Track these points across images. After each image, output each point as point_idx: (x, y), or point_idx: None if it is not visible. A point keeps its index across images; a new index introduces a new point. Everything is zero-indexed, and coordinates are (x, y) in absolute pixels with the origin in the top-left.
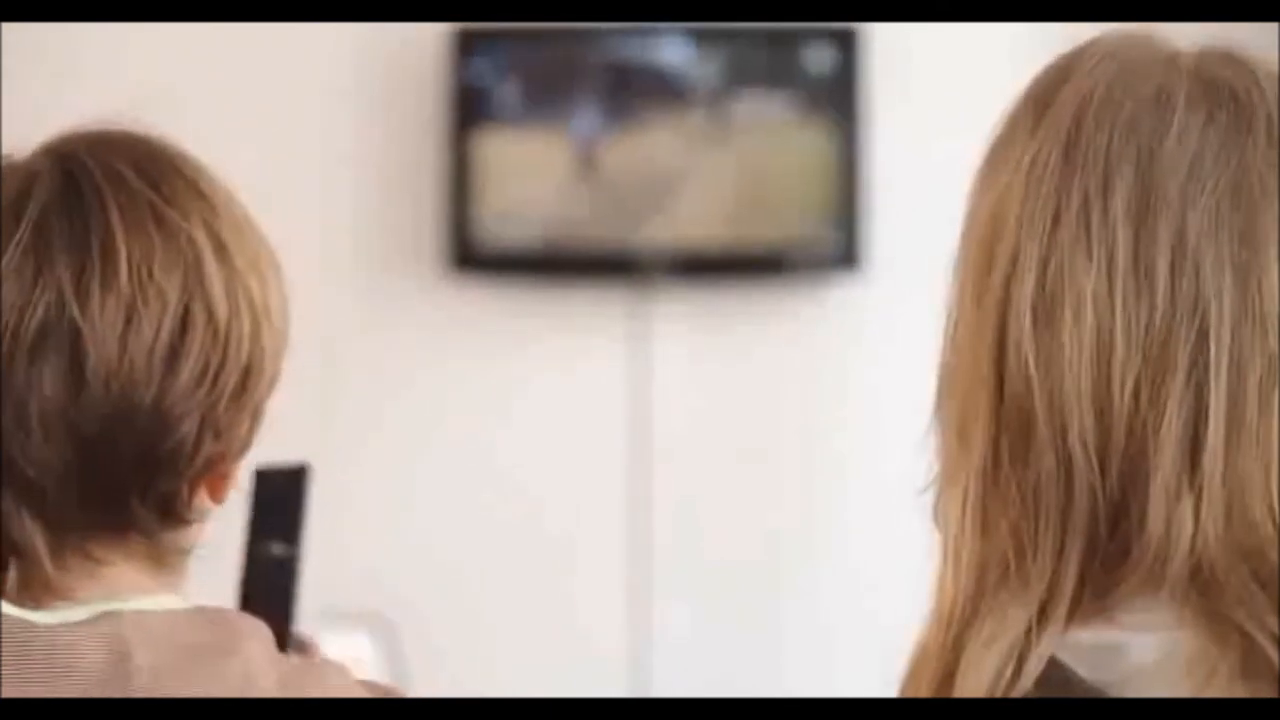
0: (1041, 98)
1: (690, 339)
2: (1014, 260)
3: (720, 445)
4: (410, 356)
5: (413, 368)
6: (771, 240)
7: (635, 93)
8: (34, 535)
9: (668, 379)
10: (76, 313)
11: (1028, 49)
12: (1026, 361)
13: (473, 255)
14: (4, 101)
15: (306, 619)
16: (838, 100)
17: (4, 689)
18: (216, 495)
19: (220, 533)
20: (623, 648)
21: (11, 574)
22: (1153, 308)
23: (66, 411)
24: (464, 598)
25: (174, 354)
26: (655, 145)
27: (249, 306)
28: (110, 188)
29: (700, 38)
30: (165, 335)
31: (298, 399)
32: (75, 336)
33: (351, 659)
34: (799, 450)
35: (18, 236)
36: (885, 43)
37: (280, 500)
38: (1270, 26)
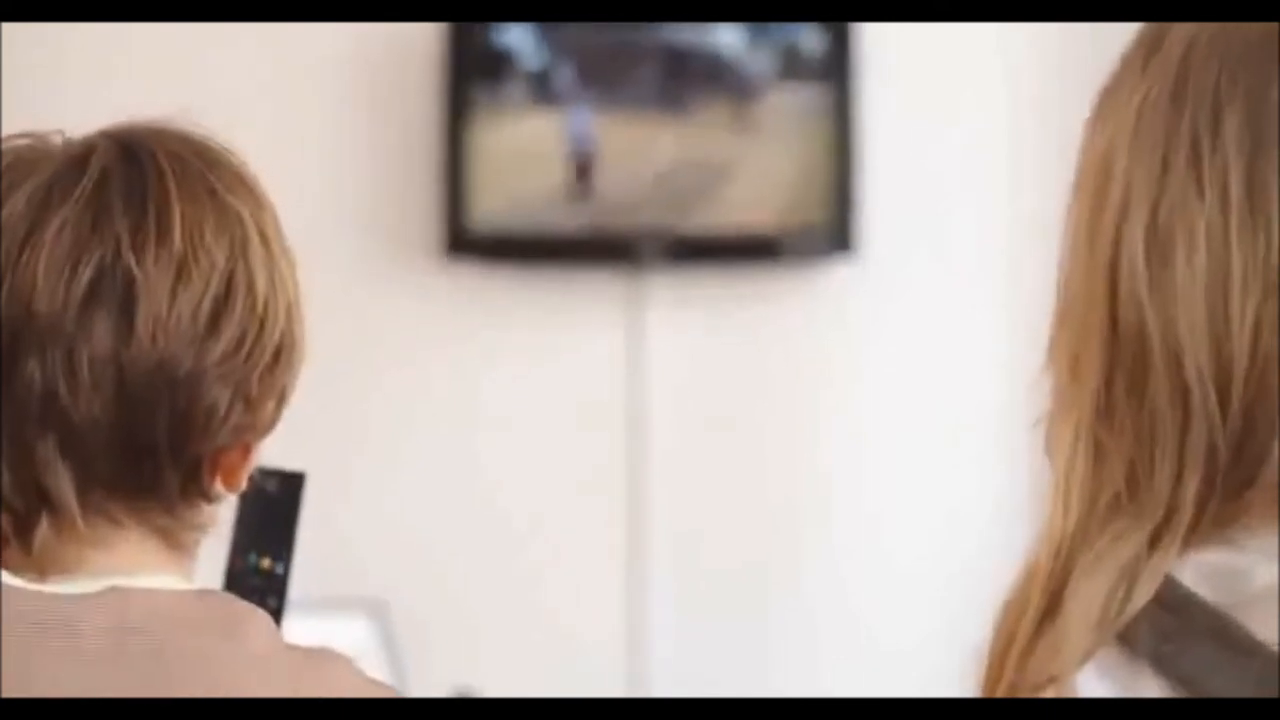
0: (1150, 42)
1: (685, 325)
2: (1125, 198)
3: (715, 430)
4: (404, 341)
5: (407, 353)
6: (766, 225)
7: (631, 80)
8: (67, 486)
9: (663, 364)
10: (133, 264)
11: (1018, 39)
12: (1140, 296)
13: (467, 240)
14: (4, 101)
15: (301, 604)
16: (831, 87)
17: (5, 660)
18: (233, 478)
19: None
20: (616, 633)
21: (40, 532)
22: (1269, 240)
23: (115, 360)
24: (457, 584)
25: (217, 316)
26: (651, 133)
27: (284, 292)
28: (167, 160)
29: (696, 24)
30: (211, 297)
31: None
32: (129, 286)
33: (348, 644)
34: (794, 435)
35: (79, 190)
36: (878, 30)
37: (273, 505)
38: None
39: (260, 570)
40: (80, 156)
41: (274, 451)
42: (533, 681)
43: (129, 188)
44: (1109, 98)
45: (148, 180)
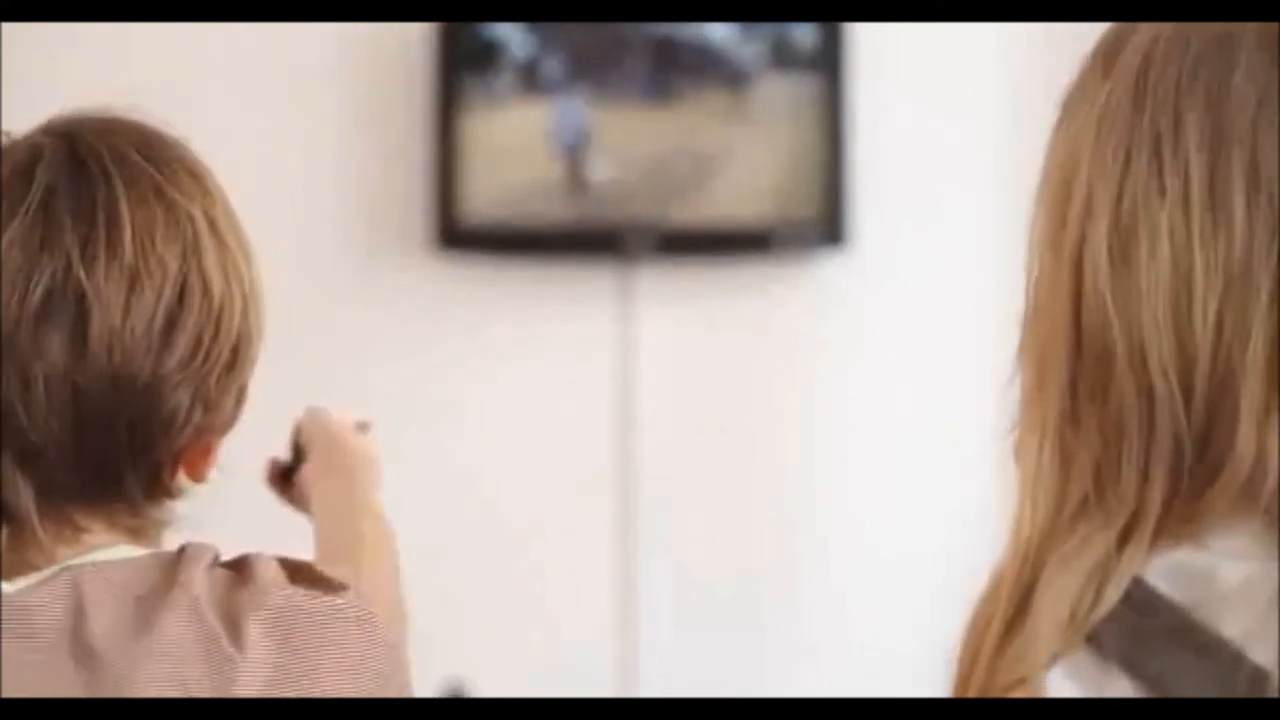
0: (1112, 46)
1: (676, 316)
2: (1088, 200)
3: (706, 421)
4: (395, 334)
5: (397, 345)
6: (757, 217)
7: (621, 70)
8: (27, 498)
9: (653, 356)
10: (83, 279)
11: (1013, 34)
12: (1104, 297)
13: (458, 233)
14: (4, 101)
15: None
16: (823, 77)
17: None
18: (196, 472)
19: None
20: (607, 631)
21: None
22: (1230, 237)
23: (70, 376)
24: (445, 580)
25: (171, 324)
26: (641, 123)
27: (239, 285)
28: (114, 163)
29: (687, 19)
30: (164, 305)
31: (283, 379)
32: (81, 302)
33: None
34: (785, 427)
35: (26, 204)
36: (870, 23)
37: None
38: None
39: None
40: (26, 164)
41: (265, 445)
42: (524, 681)
43: (77, 198)
44: (1072, 101)
45: (95, 189)
